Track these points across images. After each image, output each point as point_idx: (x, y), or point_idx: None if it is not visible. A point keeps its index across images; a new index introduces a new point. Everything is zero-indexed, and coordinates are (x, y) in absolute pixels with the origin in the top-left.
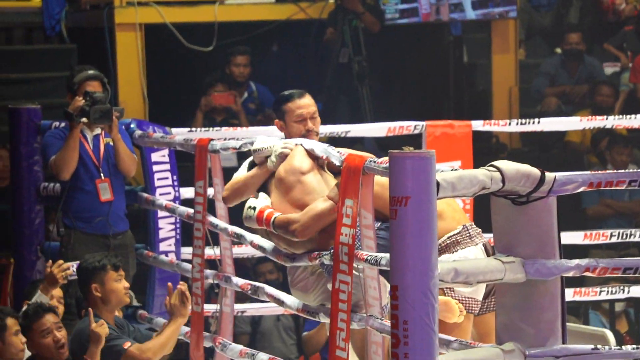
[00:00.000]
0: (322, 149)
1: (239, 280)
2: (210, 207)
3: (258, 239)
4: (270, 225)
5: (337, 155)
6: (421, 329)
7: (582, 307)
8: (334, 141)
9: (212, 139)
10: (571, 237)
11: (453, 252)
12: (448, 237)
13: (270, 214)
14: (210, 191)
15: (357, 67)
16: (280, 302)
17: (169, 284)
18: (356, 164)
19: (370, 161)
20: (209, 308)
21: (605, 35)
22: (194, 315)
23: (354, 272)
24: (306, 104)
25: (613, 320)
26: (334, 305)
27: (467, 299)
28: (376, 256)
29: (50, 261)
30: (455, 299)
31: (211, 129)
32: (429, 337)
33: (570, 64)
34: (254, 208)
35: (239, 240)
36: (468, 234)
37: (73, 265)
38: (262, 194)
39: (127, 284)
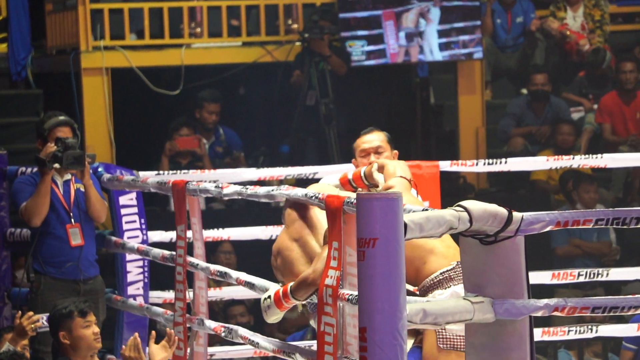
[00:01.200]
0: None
1: (211, 323)
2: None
3: (245, 276)
4: (289, 296)
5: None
6: None
7: (550, 346)
8: (303, 183)
9: (188, 181)
10: (539, 277)
11: (446, 288)
12: (441, 273)
13: (284, 287)
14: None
15: (324, 109)
16: (255, 344)
17: (136, 333)
18: (336, 205)
19: (348, 201)
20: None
21: (570, 75)
22: (175, 359)
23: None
24: (370, 139)
25: (581, 358)
26: (320, 348)
27: (457, 337)
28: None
29: (20, 312)
30: (446, 337)
31: (178, 171)
32: None
33: (536, 104)
34: (269, 297)
35: (223, 278)
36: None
37: (43, 317)
38: (270, 284)
39: (96, 330)
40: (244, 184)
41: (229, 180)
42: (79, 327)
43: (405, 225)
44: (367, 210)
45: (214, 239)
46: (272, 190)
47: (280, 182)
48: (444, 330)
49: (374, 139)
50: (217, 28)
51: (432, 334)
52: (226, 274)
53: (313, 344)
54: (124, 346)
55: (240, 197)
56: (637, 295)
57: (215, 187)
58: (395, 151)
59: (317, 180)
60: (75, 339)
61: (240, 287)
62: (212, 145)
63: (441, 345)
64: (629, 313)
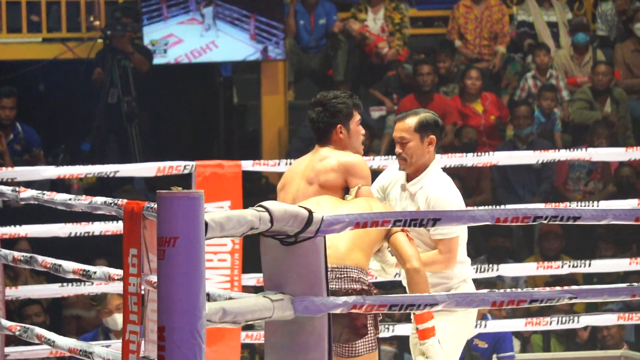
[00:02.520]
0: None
1: (6, 322)
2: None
3: (81, 266)
4: None
5: None
6: None
7: None
8: (104, 181)
9: None
10: None
11: None
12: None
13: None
14: None
15: (127, 107)
16: (51, 343)
17: None
18: (136, 210)
19: (148, 207)
20: None
21: (371, 78)
22: None
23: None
24: (396, 128)
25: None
26: (124, 357)
27: None
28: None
29: None
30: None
31: None
32: None
33: None
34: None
35: (57, 271)
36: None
37: None
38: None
39: None
40: (42, 183)
41: (27, 178)
42: None
43: (207, 224)
44: (167, 208)
45: (11, 236)
46: (70, 200)
47: (81, 180)
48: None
49: (398, 128)
50: (17, 23)
51: None
52: (60, 267)
53: (109, 344)
54: None
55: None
56: (432, 294)
57: (12, 190)
58: (432, 136)
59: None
60: None
61: (36, 286)
62: (11, 142)
63: None
64: (423, 310)
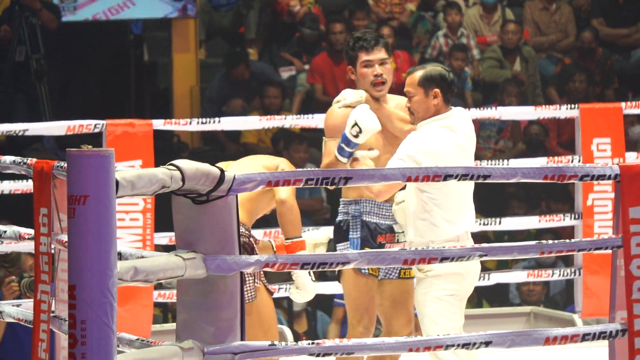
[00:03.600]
0: None
1: None
2: None
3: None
4: None
5: None
6: (99, 328)
7: None
8: (13, 140)
9: None
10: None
11: None
12: None
13: None
14: None
15: (35, 65)
16: None
17: None
18: (45, 170)
19: (58, 166)
20: None
21: (282, 36)
22: None
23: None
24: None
25: (291, 318)
26: (36, 316)
27: None
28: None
29: None
30: None
31: None
32: (107, 336)
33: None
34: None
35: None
36: None
37: None
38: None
39: None
40: None
41: None
42: None
43: (117, 182)
44: (77, 167)
45: None
46: None
47: None
48: None
49: (406, 82)
50: None
51: None
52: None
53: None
54: None
55: None
56: (344, 252)
57: None
58: (437, 90)
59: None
60: None
61: None
62: None
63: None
64: (336, 268)
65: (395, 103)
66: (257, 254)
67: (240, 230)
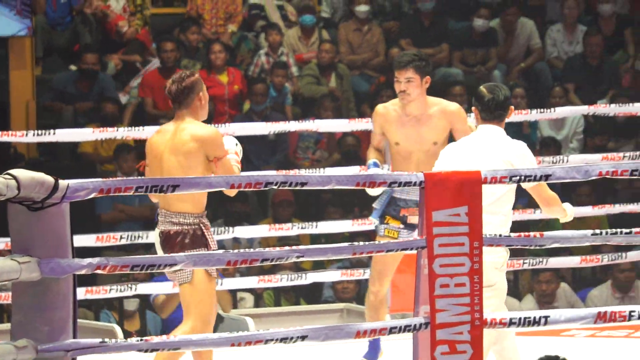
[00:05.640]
0: None
1: None
2: None
3: None
4: None
5: None
6: None
7: (94, 305)
8: None
9: None
10: (85, 240)
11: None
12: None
13: None
14: None
15: None
16: None
17: None
18: None
19: None
20: None
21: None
22: None
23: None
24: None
25: (122, 317)
26: None
27: None
28: None
29: None
30: None
31: None
32: None
33: (84, 81)
34: None
35: None
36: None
37: None
38: None
39: None
40: None
41: None
42: None
43: None
44: None
45: None
46: None
47: None
48: None
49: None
50: None
51: None
52: None
53: None
54: None
55: None
56: (172, 255)
57: None
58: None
59: None
60: None
61: None
62: None
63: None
64: (164, 270)
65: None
66: (208, 237)
67: (188, 220)
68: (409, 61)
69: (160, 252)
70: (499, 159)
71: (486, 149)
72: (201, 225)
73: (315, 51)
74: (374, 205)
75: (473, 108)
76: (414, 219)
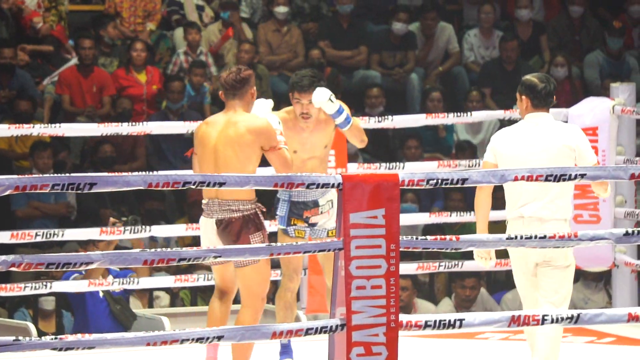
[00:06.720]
0: None
1: None
2: None
3: None
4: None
5: None
6: None
7: (8, 302)
8: None
9: None
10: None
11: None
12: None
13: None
14: None
15: None
16: None
17: None
18: None
19: None
20: None
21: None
22: None
23: None
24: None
25: (36, 317)
26: None
27: None
28: None
29: None
30: None
31: None
32: None
33: (2, 75)
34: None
35: None
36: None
37: None
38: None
39: None
40: None
41: None
42: None
43: None
44: None
45: None
46: None
47: None
48: None
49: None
50: None
51: None
52: None
53: None
54: None
55: None
56: (87, 253)
57: None
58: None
59: None
60: None
61: None
62: None
63: None
64: (80, 268)
65: None
66: (264, 221)
67: (247, 207)
68: (311, 84)
69: (212, 241)
70: (559, 143)
71: (545, 134)
72: (257, 209)
73: (234, 52)
74: (277, 212)
75: (523, 97)
76: (315, 219)
